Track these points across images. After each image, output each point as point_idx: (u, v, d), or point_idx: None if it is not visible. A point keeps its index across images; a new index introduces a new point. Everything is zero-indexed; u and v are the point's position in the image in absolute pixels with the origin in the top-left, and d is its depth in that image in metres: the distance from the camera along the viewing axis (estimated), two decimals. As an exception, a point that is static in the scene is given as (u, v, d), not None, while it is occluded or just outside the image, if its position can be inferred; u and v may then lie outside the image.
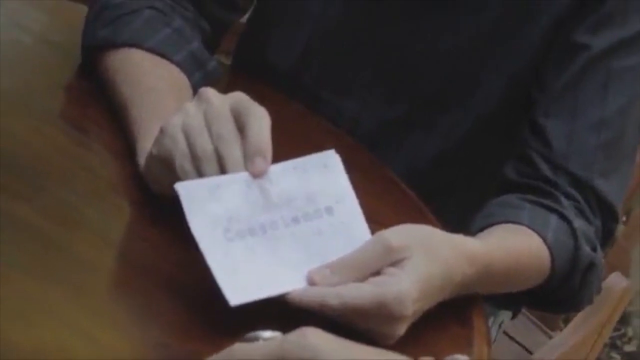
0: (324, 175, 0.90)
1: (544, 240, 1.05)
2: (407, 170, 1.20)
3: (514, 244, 1.03)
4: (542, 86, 1.17)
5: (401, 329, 0.86)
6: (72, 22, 1.16)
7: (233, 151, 0.88)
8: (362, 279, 0.86)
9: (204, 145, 0.89)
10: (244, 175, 0.88)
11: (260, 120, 0.89)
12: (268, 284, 0.85)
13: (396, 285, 0.85)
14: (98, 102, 1.07)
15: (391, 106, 1.23)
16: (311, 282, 0.86)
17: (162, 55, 1.08)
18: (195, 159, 0.89)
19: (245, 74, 1.27)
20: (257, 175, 0.88)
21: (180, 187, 0.87)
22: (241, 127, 0.89)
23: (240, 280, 0.84)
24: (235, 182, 0.88)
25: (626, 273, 1.46)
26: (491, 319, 1.37)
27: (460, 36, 1.19)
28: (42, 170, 0.95)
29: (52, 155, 0.98)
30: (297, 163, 0.90)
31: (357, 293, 0.84)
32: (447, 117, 1.22)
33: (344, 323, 0.84)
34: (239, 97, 0.91)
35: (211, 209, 0.86)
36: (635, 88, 1.17)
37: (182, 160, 0.89)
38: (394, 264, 0.86)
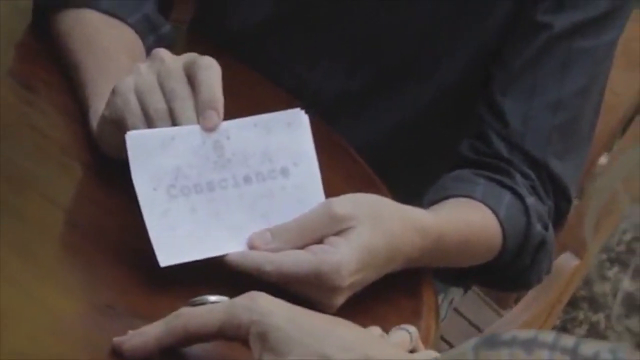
0: (286, 135, 0.88)
1: (497, 216, 1.06)
2: (365, 142, 1.20)
3: (466, 218, 1.03)
4: (501, 64, 1.17)
5: (339, 300, 0.86)
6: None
7: (186, 108, 0.87)
8: (304, 246, 0.86)
9: (157, 104, 0.87)
10: (200, 128, 0.86)
11: (208, 70, 0.88)
12: (204, 245, 0.84)
13: (335, 255, 0.85)
14: (49, 62, 1.06)
15: (353, 77, 1.22)
16: (251, 246, 0.85)
17: (116, 17, 1.07)
18: (147, 118, 0.87)
19: (202, 40, 1.25)
20: (209, 128, 0.87)
21: (130, 138, 0.85)
22: (193, 83, 0.88)
23: (176, 240, 0.83)
24: (191, 135, 0.86)
25: (577, 253, 1.47)
26: (441, 296, 1.37)
27: (425, 10, 1.18)
28: (-11, 128, 0.94)
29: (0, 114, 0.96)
30: (259, 119, 0.88)
31: (294, 261, 0.84)
32: (408, 89, 1.22)
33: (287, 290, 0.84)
34: (192, 56, 0.90)
35: (158, 162, 0.84)
36: (594, 70, 1.17)
37: (135, 120, 0.88)
38: (338, 233, 0.86)
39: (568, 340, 0.56)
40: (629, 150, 0.64)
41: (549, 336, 0.57)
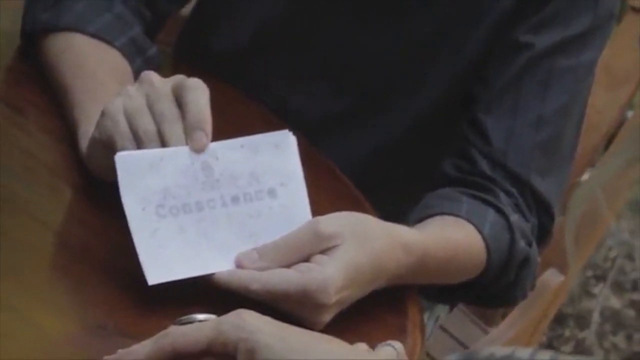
0: (274, 156, 0.89)
1: (481, 233, 1.07)
2: (349, 161, 1.20)
3: (450, 235, 1.04)
4: (483, 83, 1.18)
5: (326, 317, 0.87)
6: (13, 4, 1.15)
7: (175, 130, 0.88)
8: (291, 264, 0.87)
9: (146, 126, 0.89)
10: (189, 149, 0.88)
11: (196, 92, 0.89)
12: (192, 264, 0.85)
13: (321, 273, 0.86)
14: (37, 85, 1.07)
15: (336, 98, 1.23)
16: (238, 265, 0.86)
17: (103, 41, 1.08)
18: (137, 139, 0.88)
19: (188, 62, 1.27)
20: (198, 150, 0.88)
21: (119, 159, 0.86)
22: (181, 105, 0.89)
23: (164, 258, 0.84)
24: (179, 156, 0.87)
25: (562, 269, 1.48)
26: (427, 313, 1.38)
27: (405, 35, 1.19)
28: (-22, 151, 0.95)
29: (-11, 137, 0.97)
30: (247, 141, 0.89)
31: (281, 279, 0.85)
32: (390, 111, 1.23)
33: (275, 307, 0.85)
34: (180, 78, 0.91)
35: (147, 182, 0.85)
36: (575, 88, 1.18)
37: (124, 141, 0.88)
38: (325, 251, 0.87)
39: (544, 356, 0.57)
40: (609, 160, 0.65)
41: (525, 352, 0.58)
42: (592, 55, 1.19)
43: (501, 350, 0.58)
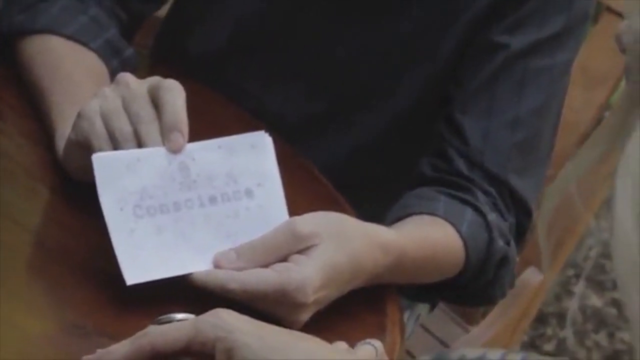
0: (250, 156, 0.90)
1: (459, 232, 1.07)
2: (326, 163, 1.21)
3: (428, 234, 1.04)
4: (459, 83, 1.18)
5: (304, 316, 0.87)
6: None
7: (152, 131, 0.88)
8: (268, 264, 0.87)
9: (122, 126, 0.89)
10: (166, 150, 0.88)
11: (172, 93, 0.89)
12: (170, 264, 0.85)
13: (298, 272, 0.86)
14: (14, 87, 1.07)
15: (312, 102, 1.23)
16: (216, 265, 0.87)
17: (79, 42, 1.08)
18: (113, 140, 0.89)
19: (164, 64, 1.27)
20: (174, 150, 0.88)
21: (96, 159, 0.86)
22: (157, 106, 0.89)
23: (142, 259, 0.84)
24: (156, 156, 0.87)
25: (541, 268, 1.49)
26: (407, 312, 1.39)
27: (382, 36, 1.20)
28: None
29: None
30: (224, 141, 0.90)
31: (259, 279, 0.85)
32: (366, 114, 1.23)
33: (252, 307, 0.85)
34: (156, 79, 0.91)
35: (125, 183, 0.86)
36: (551, 88, 1.19)
37: (100, 142, 0.89)
38: (302, 251, 0.88)
39: (515, 357, 0.57)
40: (582, 154, 0.65)
41: (496, 354, 0.58)
42: (567, 56, 1.20)
43: (473, 352, 0.58)
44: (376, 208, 1.14)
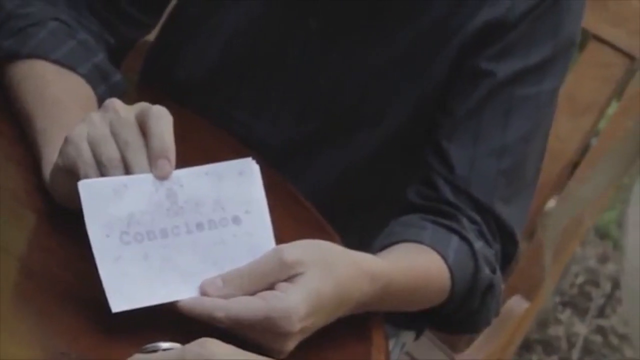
0: (238, 183, 0.90)
1: (445, 260, 1.07)
2: (313, 188, 1.21)
3: (415, 262, 1.04)
4: (446, 111, 1.18)
5: (289, 345, 0.87)
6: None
7: (139, 158, 0.88)
8: (255, 292, 0.87)
9: (110, 153, 0.89)
10: (153, 176, 0.88)
11: (160, 120, 0.89)
12: (157, 291, 0.85)
13: (284, 301, 0.86)
14: (1, 112, 1.07)
15: (300, 125, 1.23)
16: (203, 293, 0.86)
17: (67, 67, 1.08)
18: (100, 166, 0.88)
19: (153, 89, 1.27)
20: (162, 177, 0.88)
21: (83, 186, 0.86)
22: (145, 132, 0.89)
23: (128, 286, 0.84)
24: (144, 183, 0.87)
25: (527, 296, 1.49)
26: (393, 340, 1.39)
27: (371, 61, 1.20)
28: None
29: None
30: (211, 168, 0.90)
31: (245, 307, 0.85)
32: (354, 137, 1.23)
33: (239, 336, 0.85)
34: (144, 105, 0.91)
35: (111, 210, 0.86)
36: (537, 116, 1.19)
37: (87, 169, 0.89)
38: (289, 279, 0.87)
39: None
40: (592, 178, 0.65)
41: None
42: (553, 83, 1.20)
43: None
44: (362, 234, 1.14)
